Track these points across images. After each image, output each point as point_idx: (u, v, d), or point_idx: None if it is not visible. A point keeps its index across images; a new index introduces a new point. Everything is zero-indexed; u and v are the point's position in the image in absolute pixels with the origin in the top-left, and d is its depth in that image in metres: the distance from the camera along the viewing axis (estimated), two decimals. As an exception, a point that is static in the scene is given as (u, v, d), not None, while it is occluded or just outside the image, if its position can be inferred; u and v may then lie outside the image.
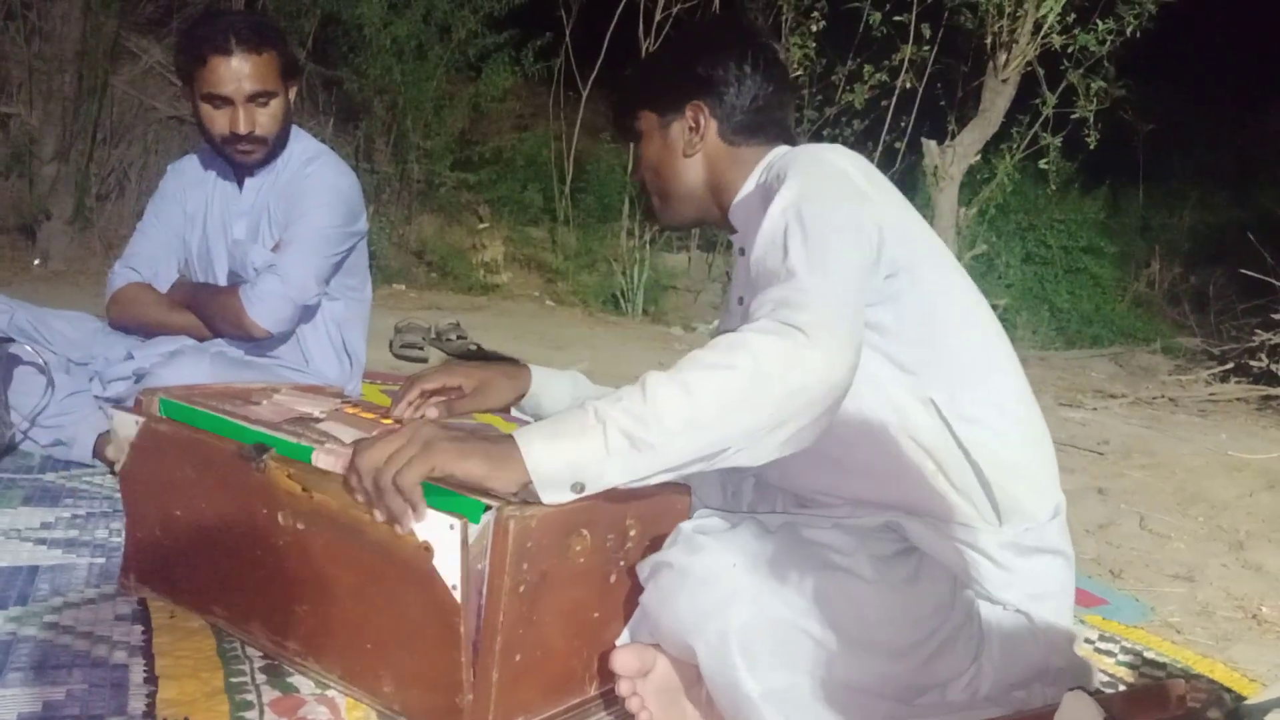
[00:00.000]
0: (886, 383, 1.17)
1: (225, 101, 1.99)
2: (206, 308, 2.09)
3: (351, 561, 1.13)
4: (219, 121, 2.02)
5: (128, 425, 1.34)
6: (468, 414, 1.40)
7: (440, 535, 1.02)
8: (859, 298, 1.11)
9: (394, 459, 1.02)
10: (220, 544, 1.30)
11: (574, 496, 1.02)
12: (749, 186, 1.35)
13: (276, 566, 1.22)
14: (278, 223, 2.12)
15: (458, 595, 1.02)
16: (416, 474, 1.01)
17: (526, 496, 1.03)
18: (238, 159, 2.08)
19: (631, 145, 1.49)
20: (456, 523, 1.01)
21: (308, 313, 2.15)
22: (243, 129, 2.01)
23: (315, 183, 2.11)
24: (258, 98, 2.01)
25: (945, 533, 1.18)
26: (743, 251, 1.33)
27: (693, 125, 1.36)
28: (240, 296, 2.03)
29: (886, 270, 1.16)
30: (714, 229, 1.44)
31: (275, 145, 2.10)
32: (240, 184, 2.16)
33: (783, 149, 1.35)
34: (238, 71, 1.98)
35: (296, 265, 2.06)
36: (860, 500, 1.22)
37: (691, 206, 1.41)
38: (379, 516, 1.05)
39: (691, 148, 1.37)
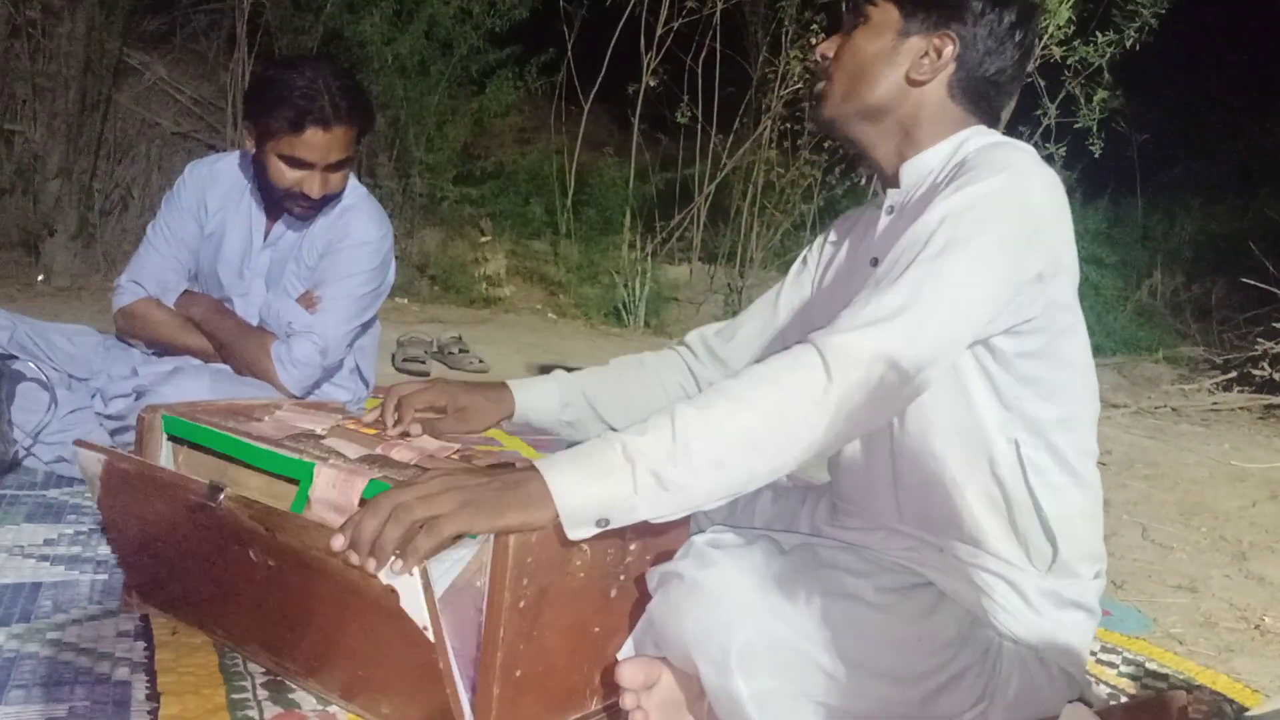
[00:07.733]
0: (981, 409, 1.15)
1: (304, 165, 1.96)
2: (231, 346, 2.06)
3: (327, 597, 1.10)
4: (289, 178, 1.97)
5: (93, 462, 1.30)
6: (453, 435, 1.34)
7: (403, 579, 0.97)
8: (949, 342, 1.07)
9: (424, 505, 0.97)
10: (205, 573, 1.29)
11: (598, 531, 1.02)
12: (936, 152, 1.22)
13: (260, 597, 1.22)
14: (305, 266, 2.10)
15: (430, 635, 1.00)
16: (449, 530, 0.97)
17: None
18: (296, 214, 2.05)
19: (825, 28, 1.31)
20: (415, 567, 0.96)
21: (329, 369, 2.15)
22: (317, 195, 1.99)
23: (353, 240, 2.08)
24: (337, 166, 1.99)
25: (982, 564, 1.17)
26: (891, 210, 1.25)
27: (934, 53, 1.21)
28: (273, 355, 2.01)
29: (1026, 315, 1.11)
30: (863, 161, 1.29)
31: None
32: (271, 214, 2.13)
33: (981, 130, 1.23)
34: (329, 143, 1.94)
35: (332, 330, 2.05)
36: (913, 512, 1.21)
37: (867, 127, 1.26)
38: (354, 559, 0.97)
39: (919, 74, 1.21)
